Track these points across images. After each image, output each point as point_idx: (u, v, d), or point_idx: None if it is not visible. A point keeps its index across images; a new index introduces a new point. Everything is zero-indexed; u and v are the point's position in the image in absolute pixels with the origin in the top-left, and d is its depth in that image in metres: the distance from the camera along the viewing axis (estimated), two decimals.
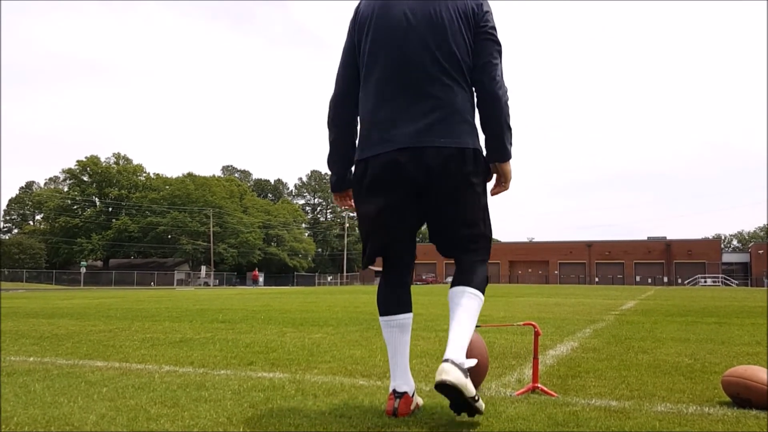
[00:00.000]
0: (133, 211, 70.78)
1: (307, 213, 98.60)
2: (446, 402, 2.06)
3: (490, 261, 2.42)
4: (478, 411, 2.09)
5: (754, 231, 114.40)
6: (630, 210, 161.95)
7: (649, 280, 71.47)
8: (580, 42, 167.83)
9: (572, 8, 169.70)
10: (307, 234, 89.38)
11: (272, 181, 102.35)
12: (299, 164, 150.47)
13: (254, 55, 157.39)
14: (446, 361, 2.03)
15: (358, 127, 2.43)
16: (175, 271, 64.71)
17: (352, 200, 2.52)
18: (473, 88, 2.37)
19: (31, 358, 3.87)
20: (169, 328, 6.20)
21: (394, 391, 2.29)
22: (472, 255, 2.34)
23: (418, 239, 2.51)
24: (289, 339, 5.09)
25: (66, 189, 75.82)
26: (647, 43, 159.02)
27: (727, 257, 79.36)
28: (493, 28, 2.35)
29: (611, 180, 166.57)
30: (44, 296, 18.26)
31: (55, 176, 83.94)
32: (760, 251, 71.12)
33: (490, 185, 2.44)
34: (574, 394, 2.75)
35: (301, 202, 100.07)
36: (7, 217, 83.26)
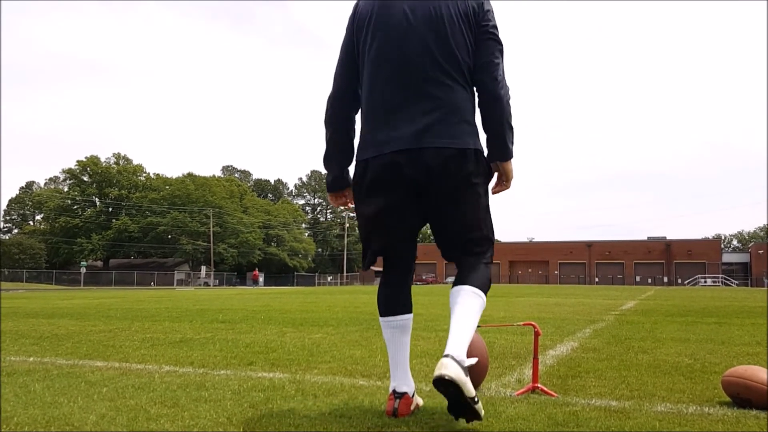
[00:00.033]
0: (133, 211, 70.79)
1: (307, 213, 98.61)
2: (446, 402, 2.04)
3: None
4: (476, 415, 1.99)
5: (754, 231, 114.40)
6: (630, 210, 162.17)
7: (649, 280, 71.46)
8: (580, 42, 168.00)
9: (572, 8, 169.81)
10: (307, 234, 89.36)
11: (272, 181, 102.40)
12: (299, 164, 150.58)
13: (254, 55, 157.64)
14: (446, 356, 1.97)
15: (358, 128, 2.42)
16: (175, 271, 64.73)
17: (349, 200, 2.51)
18: (474, 88, 2.34)
19: (31, 358, 3.87)
20: (169, 328, 6.20)
21: (394, 391, 2.29)
22: (475, 257, 2.30)
23: (418, 240, 2.50)
24: (289, 339, 5.08)
25: (66, 189, 75.84)
26: (647, 43, 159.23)
27: (727, 257, 79.36)
28: (495, 27, 2.32)
29: (611, 180, 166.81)
30: (44, 296, 18.26)
31: (55, 176, 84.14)
32: (760, 251, 71.12)
33: (491, 185, 2.41)
34: (574, 394, 2.75)
35: (301, 202, 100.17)
36: (7, 217, 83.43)
